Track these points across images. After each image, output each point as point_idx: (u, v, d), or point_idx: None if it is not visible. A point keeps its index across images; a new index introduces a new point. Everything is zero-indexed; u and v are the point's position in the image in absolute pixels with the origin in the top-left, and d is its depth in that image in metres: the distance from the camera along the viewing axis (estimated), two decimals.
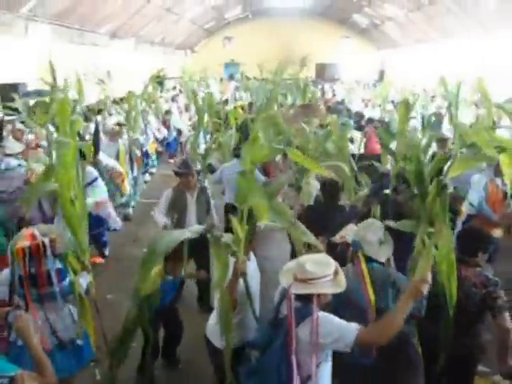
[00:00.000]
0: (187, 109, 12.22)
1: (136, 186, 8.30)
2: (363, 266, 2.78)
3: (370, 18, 23.69)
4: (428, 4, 16.49)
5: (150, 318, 3.35)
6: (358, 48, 27.55)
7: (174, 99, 14.46)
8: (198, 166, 7.09)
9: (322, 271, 2.31)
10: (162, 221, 4.66)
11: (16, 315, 2.39)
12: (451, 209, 4.69)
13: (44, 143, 5.97)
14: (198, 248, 4.60)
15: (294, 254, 3.48)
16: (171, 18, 20.20)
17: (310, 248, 3.02)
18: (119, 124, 7.88)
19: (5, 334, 2.87)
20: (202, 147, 8.06)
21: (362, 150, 7.77)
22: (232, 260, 2.79)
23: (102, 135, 8.27)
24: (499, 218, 4.53)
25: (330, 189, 4.43)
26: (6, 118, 7.78)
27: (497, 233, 4.48)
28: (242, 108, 11.58)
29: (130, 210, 7.93)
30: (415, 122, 8.60)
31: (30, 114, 6.26)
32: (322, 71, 27.43)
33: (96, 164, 6.01)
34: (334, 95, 16.66)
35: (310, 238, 2.63)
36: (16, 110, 7.91)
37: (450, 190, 5.23)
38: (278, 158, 6.81)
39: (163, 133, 10.77)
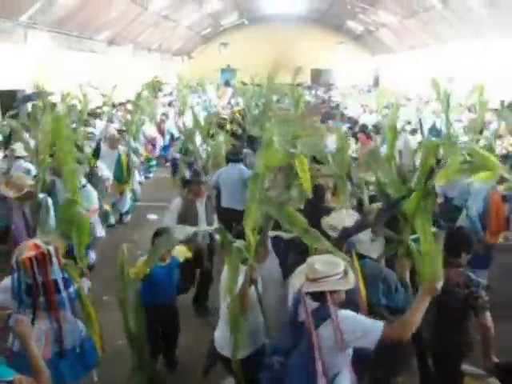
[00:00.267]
0: (180, 115, 12.28)
1: (135, 193, 8.28)
2: (356, 263, 2.90)
3: (365, 24, 23.97)
4: (422, 11, 16.74)
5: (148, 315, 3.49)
6: (352, 54, 27.83)
7: (170, 104, 14.59)
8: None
9: (331, 270, 2.39)
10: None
11: (17, 320, 2.42)
12: (449, 218, 4.80)
13: None
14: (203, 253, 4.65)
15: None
16: (168, 25, 20.38)
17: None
18: (120, 131, 7.94)
19: (8, 343, 2.94)
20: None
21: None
22: (242, 267, 2.81)
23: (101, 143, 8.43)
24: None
25: (316, 191, 4.55)
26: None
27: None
28: (239, 113, 11.74)
29: (129, 217, 7.94)
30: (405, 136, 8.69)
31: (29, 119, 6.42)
32: (317, 77, 27.68)
33: (92, 171, 6.00)
34: (330, 101, 16.81)
35: (324, 243, 2.65)
36: (17, 114, 8.05)
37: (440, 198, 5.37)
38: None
39: (160, 141, 10.87)
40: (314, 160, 5.26)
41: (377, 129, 9.09)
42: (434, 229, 2.79)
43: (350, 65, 26.46)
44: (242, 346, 2.97)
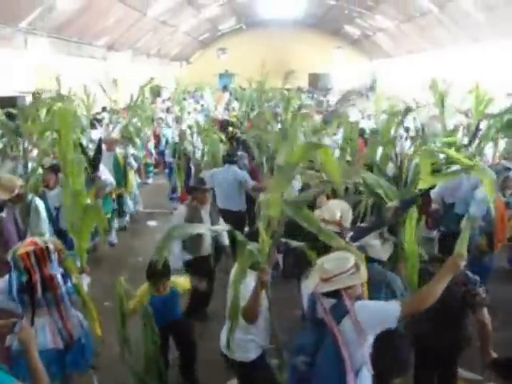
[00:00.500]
0: (178, 121, 12.30)
1: (135, 198, 8.26)
2: (363, 267, 2.95)
3: (362, 29, 24.12)
4: (419, 15, 16.87)
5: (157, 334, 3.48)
6: (350, 58, 27.96)
7: (168, 110, 14.64)
8: None
9: (342, 267, 2.43)
10: (177, 252, 4.48)
11: (21, 326, 2.43)
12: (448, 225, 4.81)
13: None
14: (204, 264, 4.65)
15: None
16: (167, 30, 20.48)
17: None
18: (123, 136, 7.89)
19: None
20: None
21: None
22: (250, 272, 2.81)
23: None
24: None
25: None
26: None
27: None
28: (237, 118, 11.78)
29: (127, 218, 7.90)
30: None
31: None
32: (315, 81, 27.75)
33: (93, 180, 5.82)
34: (328, 105, 16.88)
35: (339, 241, 2.69)
36: (14, 116, 8.04)
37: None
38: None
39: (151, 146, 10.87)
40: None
41: (374, 134, 9.12)
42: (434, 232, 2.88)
43: (348, 69, 26.57)
44: (249, 349, 3.00)
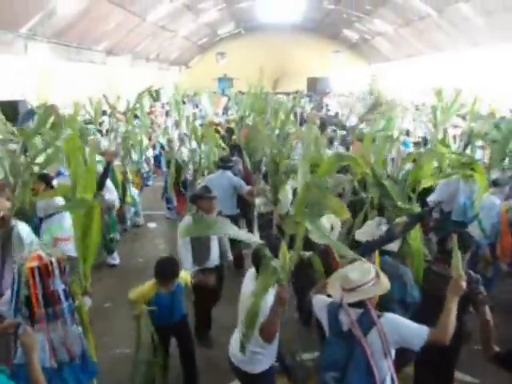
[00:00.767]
0: (177, 125, 12.30)
1: (136, 206, 8.12)
2: (377, 260, 3.05)
3: (361, 33, 24.21)
4: (417, 19, 16.95)
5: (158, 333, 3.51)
6: (348, 62, 28.08)
7: (168, 114, 14.66)
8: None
9: (365, 277, 2.51)
10: (187, 260, 4.32)
11: (25, 331, 2.46)
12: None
13: None
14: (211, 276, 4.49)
15: None
16: (166, 35, 20.54)
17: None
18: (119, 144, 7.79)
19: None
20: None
21: None
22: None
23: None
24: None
25: None
26: None
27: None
28: (235, 122, 11.77)
29: (128, 225, 7.84)
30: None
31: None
32: (314, 85, 27.81)
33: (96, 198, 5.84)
34: (327, 110, 16.89)
35: (354, 254, 2.67)
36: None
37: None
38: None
39: (150, 152, 10.81)
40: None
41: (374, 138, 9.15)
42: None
43: (346, 73, 26.67)
44: (256, 361, 3.00)
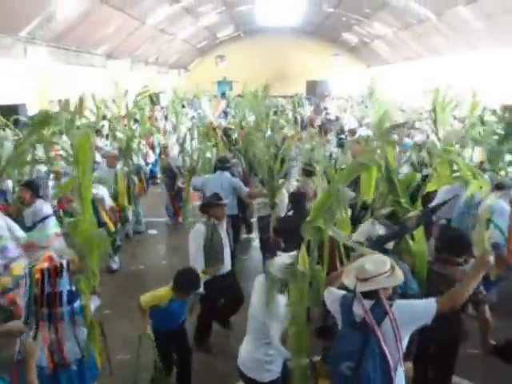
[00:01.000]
0: (175, 129, 12.28)
1: (138, 213, 7.96)
2: None
3: (360, 36, 24.26)
4: (416, 23, 16.98)
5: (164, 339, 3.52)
6: (348, 65, 28.14)
7: (167, 118, 14.66)
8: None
9: (380, 269, 2.56)
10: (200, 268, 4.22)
11: (29, 341, 2.49)
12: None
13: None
14: (230, 285, 4.51)
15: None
16: (165, 39, 20.58)
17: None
18: (120, 149, 7.63)
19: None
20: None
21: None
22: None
23: (100, 160, 8.15)
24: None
25: (294, 198, 4.89)
26: None
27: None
28: (235, 125, 11.75)
29: (130, 232, 7.61)
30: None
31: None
32: (313, 88, 27.89)
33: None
34: (326, 113, 16.89)
35: (366, 250, 2.81)
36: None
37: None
38: None
39: (152, 157, 10.73)
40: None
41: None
42: None
43: (346, 76, 26.72)
44: (266, 370, 3.02)
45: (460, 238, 3.45)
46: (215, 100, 19.25)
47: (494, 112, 6.65)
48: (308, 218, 2.86)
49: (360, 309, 2.52)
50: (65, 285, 3.05)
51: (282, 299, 2.93)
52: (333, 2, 19.90)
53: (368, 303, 2.52)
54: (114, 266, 6.50)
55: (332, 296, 2.74)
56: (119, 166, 7.19)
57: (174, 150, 9.57)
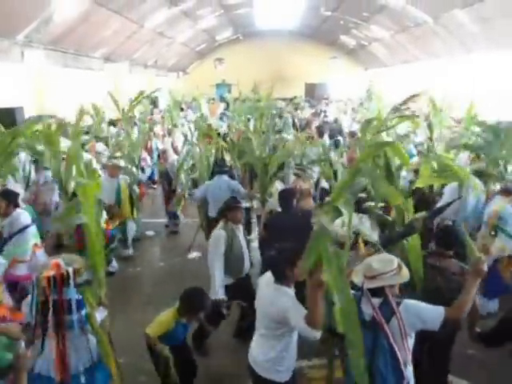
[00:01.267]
0: (170, 133, 12.28)
1: (138, 225, 7.71)
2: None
3: (358, 39, 24.31)
4: (414, 26, 17.03)
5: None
6: (346, 68, 28.19)
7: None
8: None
9: (386, 267, 2.70)
10: (220, 277, 4.18)
11: (23, 352, 2.45)
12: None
13: None
14: (242, 290, 4.44)
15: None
16: (164, 42, 20.62)
17: None
18: (115, 157, 7.45)
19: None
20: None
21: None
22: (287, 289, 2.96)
23: (100, 170, 8.21)
24: None
25: (283, 195, 4.96)
26: None
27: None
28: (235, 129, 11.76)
29: (130, 251, 7.28)
30: None
31: None
32: (312, 91, 27.98)
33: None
34: (325, 116, 16.92)
35: (370, 250, 3.06)
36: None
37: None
38: None
39: (148, 161, 10.62)
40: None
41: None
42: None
43: (344, 79, 26.78)
44: (281, 371, 3.00)
45: (449, 232, 3.61)
46: (213, 103, 19.33)
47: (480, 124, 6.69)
48: (328, 198, 2.97)
49: (368, 307, 2.64)
50: (72, 293, 3.00)
51: (288, 290, 2.94)
52: (331, 6, 19.95)
53: (376, 301, 2.63)
54: (111, 269, 6.47)
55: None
56: (121, 176, 6.99)
57: (173, 155, 9.59)
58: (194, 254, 7.06)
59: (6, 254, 4.46)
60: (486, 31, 13.36)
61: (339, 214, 2.72)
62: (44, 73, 12.53)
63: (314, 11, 21.79)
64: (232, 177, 6.79)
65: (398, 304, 2.63)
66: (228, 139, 8.65)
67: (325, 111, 18.23)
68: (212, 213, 6.29)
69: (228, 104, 17.55)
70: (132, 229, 7.15)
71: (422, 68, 19.40)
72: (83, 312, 3.10)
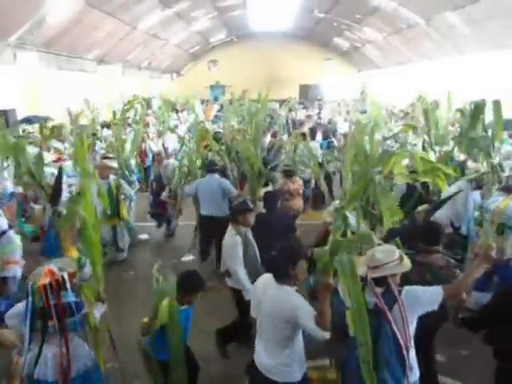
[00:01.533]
0: (160, 135, 12.24)
1: (131, 228, 7.42)
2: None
3: (351, 41, 24.44)
4: (406, 28, 17.16)
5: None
6: (339, 69, 28.32)
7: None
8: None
9: (389, 257, 2.79)
10: (246, 277, 4.20)
11: (17, 359, 2.48)
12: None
13: None
14: None
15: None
16: (157, 44, 20.61)
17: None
18: (106, 157, 7.20)
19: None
20: None
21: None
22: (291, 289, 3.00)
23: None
24: None
25: (267, 197, 5.14)
26: None
27: None
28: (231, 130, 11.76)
29: (125, 254, 7.09)
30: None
31: None
32: (305, 92, 28.07)
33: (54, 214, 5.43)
34: (318, 117, 16.97)
35: (374, 242, 3.11)
36: None
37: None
38: None
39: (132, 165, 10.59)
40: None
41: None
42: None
43: (338, 80, 26.89)
44: (294, 371, 3.00)
45: (433, 229, 3.76)
46: (207, 105, 19.32)
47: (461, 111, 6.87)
48: (338, 203, 3.08)
49: (371, 296, 2.71)
50: (70, 296, 3.01)
51: (293, 290, 2.99)
52: (324, 8, 20.04)
53: (379, 290, 2.71)
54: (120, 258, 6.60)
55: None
56: (112, 177, 6.83)
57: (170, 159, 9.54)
58: (188, 257, 7.03)
59: None
60: (477, 33, 13.48)
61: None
62: (37, 75, 12.49)
63: (307, 13, 21.88)
64: (225, 175, 6.81)
65: (400, 292, 2.72)
66: (222, 141, 8.66)
67: (318, 112, 18.27)
68: (203, 211, 6.28)
69: (222, 106, 17.56)
70: (121, 233, 6.95)
71: (415, 69, 19.55)
72: (83, 312, 3.11)
